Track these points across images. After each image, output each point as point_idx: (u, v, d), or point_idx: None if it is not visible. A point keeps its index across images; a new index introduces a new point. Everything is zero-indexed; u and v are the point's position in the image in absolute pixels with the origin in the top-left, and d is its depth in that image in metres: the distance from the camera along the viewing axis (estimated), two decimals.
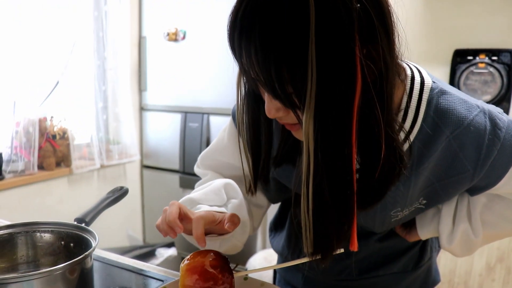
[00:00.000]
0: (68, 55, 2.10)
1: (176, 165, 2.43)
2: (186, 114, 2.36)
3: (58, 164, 2.13)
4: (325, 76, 0.54)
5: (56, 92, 2.10)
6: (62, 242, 0.84)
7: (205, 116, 2.30)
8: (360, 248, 0.66)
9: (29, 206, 1.99)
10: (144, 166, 2.60)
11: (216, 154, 0.93)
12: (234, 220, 0.75)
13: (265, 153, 0.77)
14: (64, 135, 2.11)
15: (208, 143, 2.31)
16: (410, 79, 0.70)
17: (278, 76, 0.56)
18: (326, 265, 0.68)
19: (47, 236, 0.85)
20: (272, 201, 0.93)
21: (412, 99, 0.69)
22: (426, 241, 0.94)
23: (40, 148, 2.02)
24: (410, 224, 0.88)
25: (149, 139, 2.56)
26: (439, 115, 0.69)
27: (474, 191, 0.79)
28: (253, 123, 0.74)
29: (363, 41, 0.55)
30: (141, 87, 2.54)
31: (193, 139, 2.33)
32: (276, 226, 1.02)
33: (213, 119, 2.29)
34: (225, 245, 0.84)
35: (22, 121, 1.95)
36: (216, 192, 0.86)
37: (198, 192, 0.87)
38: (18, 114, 1.94)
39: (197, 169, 0.98)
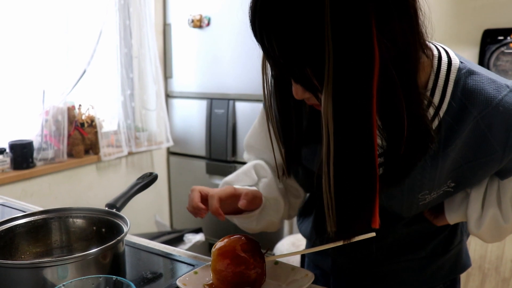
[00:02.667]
0: (95, 44, 2.12)
1: (202, 152, 2.44)
2: (212, 100, 2.36)
3: (86, 152, 2.16)
4: (341, 56, 0.55)
5: (83, 80, 2.13)
6: (94, 228, 0.85)
7: (231, 102, 2.30)
8: (387, 233, 0.67)
9: (59, 192, 2.03)
10: (171, 153, 2.62)
11: (252, 140, 0.96)
12: (248, 197, 0.81)
13: (297, 135, 0.78)
14: (92, 123, 2.14)
15: (234, 129, 2.31)
16: (437, 59, 0.69)
17: (296, 59, 0.57)
18: (350, 240, 0.69)
19: (79, 222, 0.86)
20: (304, 188, 0.94)
21: (439, 79, 0.69)
22: (456, 224, 0.92)
23: (69, 136, 2.06)
24: (438, 208, 0.86)
25: (175, 126, 2.57)
26: (466, 95, 0.68)
27: (504, 174, 0.77)
28: (282, 106, 0.76)
29: (381, 20, 0.55)
30: (166, 74, 2.55)
31: (219, 125, 2.33)
32: (305, 211, 1.02)
33: (239, 105, 2.29)
34: (261, 223, 0.90)
35: (51, 110, 1.98)
36: (246, 173, 0.92)
37: (231, 174, 0.93)
38: (47, 103, 1.98)
39: (244, 155, 1.02)
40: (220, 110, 2.33)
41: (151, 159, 2.52)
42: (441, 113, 0.69)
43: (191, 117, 2.48)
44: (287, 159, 0.81)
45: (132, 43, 2.31)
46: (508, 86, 0.68)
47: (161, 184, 2.61)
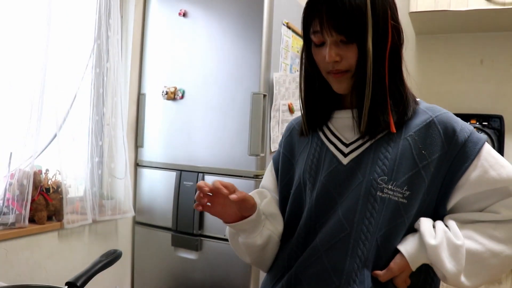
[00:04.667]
0: (68, 109, 2.13)
1: (169, 223, 2.40)
2: (181, 172, 2.37)
3: (49, 218, 2.11)
4: (375, 26, 0.94)
5: (52, 145, 2.12)
6: None
7: (200, 175, 2.31)
8: None
9: (16, 260, 1.95)
10: (137, 223, 2.57)
11: (264, 181, 1.27)
12: (241, 194, 0.97)
13: (321, 102, 1.11)
14: (58, 189, 2.10)
15: None
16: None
17: (352, 25, 0.94)
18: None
19: None
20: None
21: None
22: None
23: (32, 201, 2.01)
24: (390, 258, 0.97)
25: (143, 195, 2.55)
26: (426, 107, 1.05)
27: (449, 187, 0.97)
28: (310, 85, 1.11)
29: (392, 18, 0.98)
30: (138, 143, 2.56)
31: (187, 197, 2.33)
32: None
33: (208, 179, 2.29)
34: (263, 237, 1.07)
35: (17, 173, 1.95)
36: (251, 194, 1.09)
37: None
38: (13, 166, 1.94)
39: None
40: (189, 182, 2.33)
41: (115, 228, 2.47)
42: (408, 112, 1.01)
43: (160, 188, 2.47)
44: (307, 119, 1.12)
45: (104, 111, 2.33)
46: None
47: (124, 254, 2.53)
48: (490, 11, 2.22)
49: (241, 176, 2.21)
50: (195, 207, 0.97)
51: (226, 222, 1.06)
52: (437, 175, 0.96)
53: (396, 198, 0.95)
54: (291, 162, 1.17)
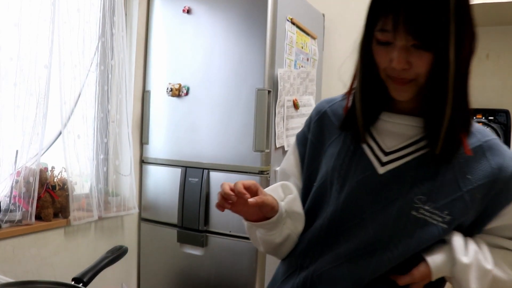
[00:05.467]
0: (73, 106, 2.14)
1: (174, 219, 2.41)
2: (187, 168, 2.37)
3: (55, 215, 2.12)
4: (458, 34, 0.82)
5: (58, 142, 2.12)
6: None
7: (205, 171, 2.31)
8: None
9: (23, 257, 1.96)
10: (142, 219, 2.58)
11: (285, 165, 1.17)
12: (260, 199, 0.92)
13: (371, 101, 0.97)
14: (64, 186, 2.11)
15: (207, 199, 2.31)
16: None
17: (433, 31, 0.81)
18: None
19: None
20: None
21: None
22: None
23: (39, 198, 2.02)
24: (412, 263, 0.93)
25: (148, 192, 2.56)
26: (476, 129, 0.96)
27: (490, 214, 0.93)
28: (368, 83, 0.97)
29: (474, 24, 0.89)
30: (143, 140, 2.57)
31: (193, 194, 2.33)
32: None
33: (213, 175, 2.30)
34: (282, 235, 1.01)
35: (23, 171, 1.96)
36: (273, 190, 1.06)
37: (264, 189, 1.04)
38: (19, 164, 1.95)
39: (278, 178, 1.20)
40: (194, 178, 2.34)
41: (121, 225, 2.48)
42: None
43: (165, 184, 2.47)
44: (364, 119, 0.97)
45: (108, 108, 2.34)
46: None
47: (130, 250, 2.54)
48: (496, 5, 2.21)
49: (246, 172, 2.22)
50: (217, 207, 0.94)
51: (246, 220, 1.01)
52: (481, 202, 0.90)
53: (435, 222, 0.89)
54: (318, 151, 1.07)
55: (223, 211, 0.94)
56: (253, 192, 0.92)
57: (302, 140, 1.12)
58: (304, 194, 1.09)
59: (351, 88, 1.00)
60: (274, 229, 1.00)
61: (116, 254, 0.93)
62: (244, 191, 0.90)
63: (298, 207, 1.04)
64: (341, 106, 1.06)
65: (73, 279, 0.85)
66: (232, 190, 0.91)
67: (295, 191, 1.06)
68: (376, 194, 0.93)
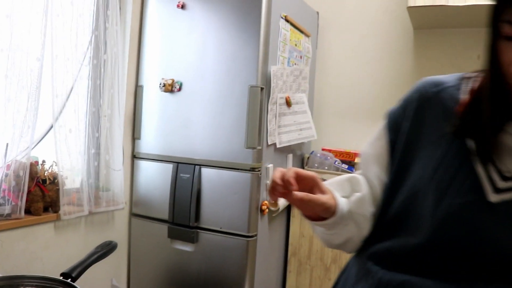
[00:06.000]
0: (64, 100, 2.12)
1: (165, 215, 2.41)
2: (178, 164, 2.37)
3: (45, 209, 2.11)
4: None
5: (48, 136, 2.11)
6: None
7: (197, 167, 2.31)
8: None
9: (12, 251, 1.95)
10: (133, 214, 2.58)
11: (368, 148, 0.97)
12: (310, 197, 0.80)
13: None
14: (54, 180, 2.10)
15: (198, 195, 2.31)
16: None
17: None
18: None
19: None
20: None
21: None
22: None
23: (29, 192, 2.00)
24: None
25: (140, 187, 2.55)
26: None
27: None
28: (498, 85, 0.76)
29: None
30: (135, 135, 2.56)
31: (184, 190, 2.33)
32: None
33: (205, 171, 2.30)
34: (341, 238, 0.90)
35: (13, 164, 1.95)
36: (339, 182, 0.94)
37: (329, 180, 0.96)
38: (9, 157, 1.94)
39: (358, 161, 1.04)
40: (186, 174, 2.33)
41: (112, 219, 2.47)
42: None
43: (157, 180, 2.47)
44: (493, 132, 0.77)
45: (100, 102, 2.32)
46: None
47: (120, 245, 2.54)
48: (488, 6, 2.23)
49: (238, 169, 2.22)
50: (269, 195, 0.83)
51: (303, 214, 0.90)
52: None
53: None
54: (413, 145, 0.86)
55: (274, 200, 0.84)
56: (308, 185, 0.83)
57: (394, 126, 0.91)
58: (388, 191, 0.90)
59: (477, 88, 0.79)
60: (333, 230, 0.88)
61: (106, 250, 0.92)
62: (293, 182, 0.79)
63: (365, 209, 0.90)
64: (453, 97, 0.83)
65: (61, 274, 0.84)
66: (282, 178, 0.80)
67: (365, 189, 0.91)
68: (484, 226, 0.74)
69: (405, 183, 0.86)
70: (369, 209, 0.90)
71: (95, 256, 0.90)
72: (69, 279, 0.82)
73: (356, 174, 0.95)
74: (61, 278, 0.82)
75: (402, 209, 0.85)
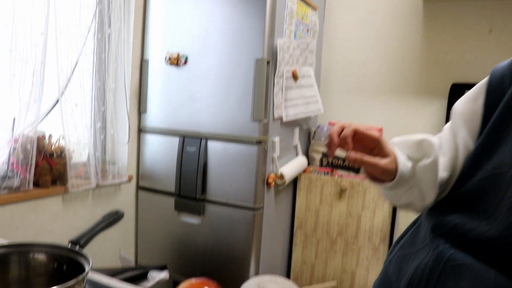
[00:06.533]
0: (69, 75, 2.12)
1: (172, 188, 2.43)
2: (184, 138, 2.38)
3: (53, 182, 2.13)
4: None
5: (55, 110, 2.12)
6: (55, 264, 0.84)
7: (203, 140, 2.32)
8: None
9: (21, 223, 1.98)
10: (140, 187, 2.60)
11: (460, 105, 0.88)
12: (360, 156, 0.77)
13: None
14: (61, 154, 2.11)
15: (205, 168, 2.32)
16: None
17: None
18: None
19: (40, 257, 0.85)
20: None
21: None
22: None
23: (36, 165, 2.02)
24: None
25: (146, 160, 2.56)
26: None
27: None
28: None
29: None
30: (141, 109, 2.56)
31: (191, 163, 2.34)
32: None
33: (211, 144, 2.30)
34: (404, 200, 0.87)
35: (21, 138, 1.96)
36: (409, 142, 0.88)
37: (400, 137, 0.91)
38: (17, 131, 1.95)
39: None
40: (192, 147, 2.34)
41: (119, 193, 2.50)
42: None
43: (163, 153, 2.48)
44: None
45: (106, 76, 2.32)
46: None
47: (128, 218, 2.58)
48: None
49: (244, 142, 2.22)
50: (327, 149, 0.80)
51: (365, 170, 0.84)
52: None
53: None
54: (509, 119, 0.73)
55: (332, 155, 0.81)
56: (369, 146, 0.80)
57: (496, 87, 0.79)
58: (472, 162, 0.78)
59: None
60: (394, 190, 0.84)
61: (112, 219, 0.93)
62: (349, 141, 0.77)
63: (434, 175, 0.81)
64: None
65: (69, 242, 0.85)
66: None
67: (435, 154, 0.83)
68: None
69: (491, 160, 0.74)
70: (439, 175, 0.81)
71: (102, 224, 0.91)
72: (77, 247, 0.83)
73: (429, 136, 0.87)
74: (69, 245, 0.84)
75: (480, 187, 0.75)
